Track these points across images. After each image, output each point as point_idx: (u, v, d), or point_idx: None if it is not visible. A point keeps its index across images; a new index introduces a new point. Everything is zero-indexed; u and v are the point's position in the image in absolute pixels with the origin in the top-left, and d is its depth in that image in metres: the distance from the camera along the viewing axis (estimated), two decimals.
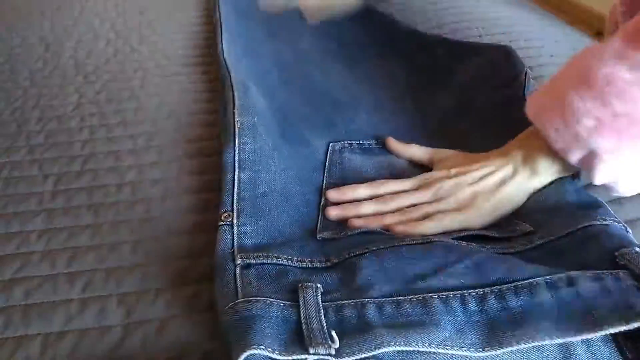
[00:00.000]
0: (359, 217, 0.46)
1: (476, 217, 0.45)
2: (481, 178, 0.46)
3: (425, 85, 0.67)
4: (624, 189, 0.43)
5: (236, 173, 0.47)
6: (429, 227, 0.44)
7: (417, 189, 0.48)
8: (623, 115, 0.39)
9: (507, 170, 0.46)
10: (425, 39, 0.74)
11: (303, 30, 0.83)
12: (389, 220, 0.45)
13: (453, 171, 0.48)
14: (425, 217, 0.45)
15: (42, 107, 0.66)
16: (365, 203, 0.47)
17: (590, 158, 0.41)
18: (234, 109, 0.54)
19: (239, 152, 0.49)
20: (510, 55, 0.63)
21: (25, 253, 0.45)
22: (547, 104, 0.44)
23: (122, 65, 0.74)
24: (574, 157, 0.42)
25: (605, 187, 0.43)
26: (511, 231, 0.43)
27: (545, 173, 0.45)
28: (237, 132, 0.51)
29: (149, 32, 0.84)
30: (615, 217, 0.40)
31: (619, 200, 0.48)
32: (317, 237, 0.44)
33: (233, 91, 0.57)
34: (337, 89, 0.67)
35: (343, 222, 0.46)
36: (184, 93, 0.68)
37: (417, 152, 0.54)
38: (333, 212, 0.47)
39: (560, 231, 0.40)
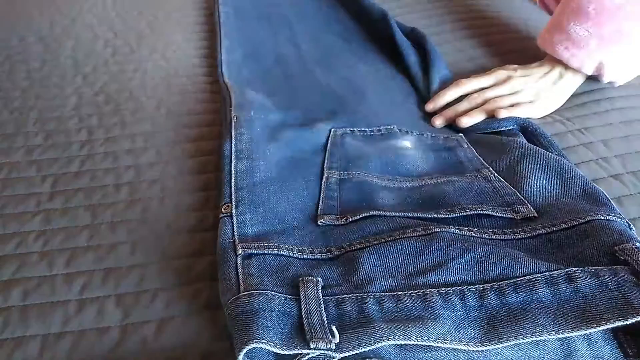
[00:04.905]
0: (457, 115, 0.59)
1: (540, 109, 0.59)
2: (541, 77, 0.60)
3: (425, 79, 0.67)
4: (617, 78, 0.60)
5: (233, 164, 0.48)
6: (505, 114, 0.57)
7: (495, 84, 0.61)
8: (614, 31, 0.56)
9: (556, 72, 0.60)
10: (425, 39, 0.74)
11: (304, 27, 0.83)
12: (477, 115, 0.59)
13: (519, 72, 0.61)
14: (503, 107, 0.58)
15: (41, 108, 0.65)
16: (460, 103, 0.60)
17: (599, 67, 0.58)
18: (230, 106, 0.56)
19: (235, 143, 0.50)
20: None
21: (24, 254, 0.45)
22: (555, 37, 0.59)
23: (120, 66, 0.74)
24: (589, 70, 0.58)
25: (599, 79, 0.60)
26: (515, 212, 0.43)
27: (572, 80, 0.60)
28: (233, 124, 0.53)
29: (148, 33, 0.83)
30: (620, 214, 0.40)
31: (619, 200, 0.48)
32: (318, 222, 0.44)
33: (230, 93, 0.59)
34: (340, 83, 0.67)
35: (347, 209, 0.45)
36: (182, 93, 0.67)
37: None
38: (437, 121, 0.60)
39: (564, 222, 0.40)
